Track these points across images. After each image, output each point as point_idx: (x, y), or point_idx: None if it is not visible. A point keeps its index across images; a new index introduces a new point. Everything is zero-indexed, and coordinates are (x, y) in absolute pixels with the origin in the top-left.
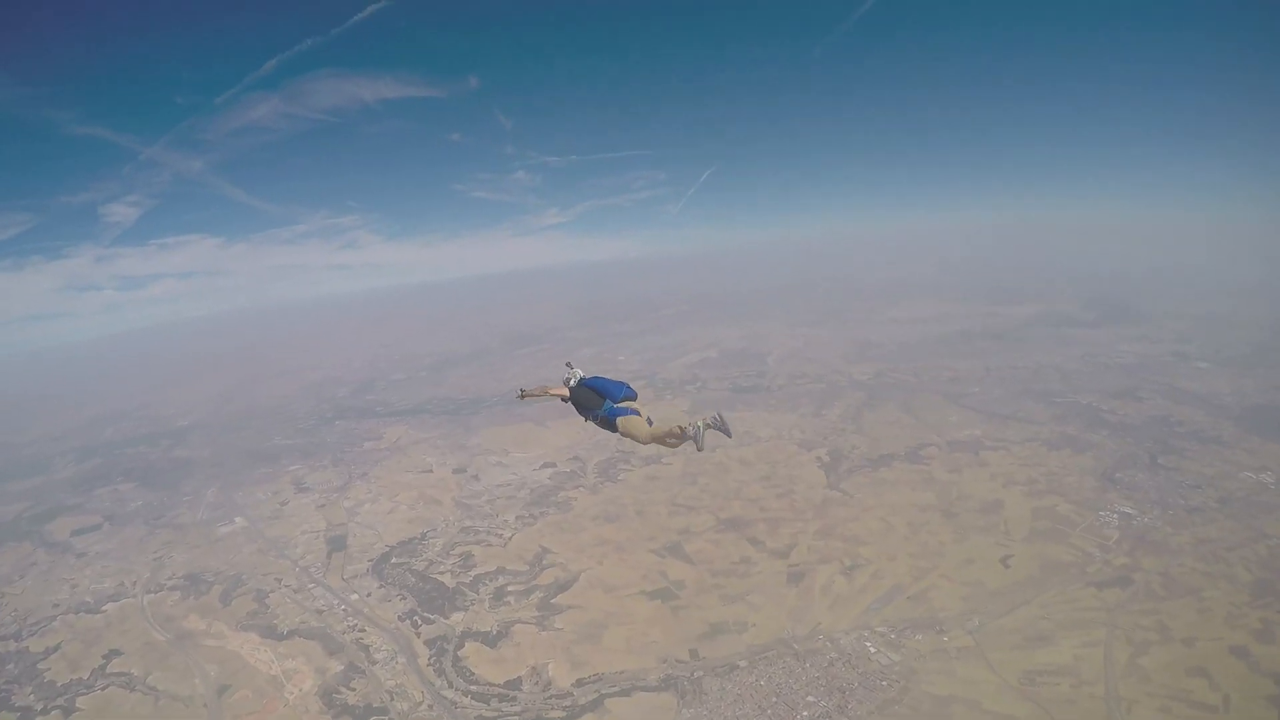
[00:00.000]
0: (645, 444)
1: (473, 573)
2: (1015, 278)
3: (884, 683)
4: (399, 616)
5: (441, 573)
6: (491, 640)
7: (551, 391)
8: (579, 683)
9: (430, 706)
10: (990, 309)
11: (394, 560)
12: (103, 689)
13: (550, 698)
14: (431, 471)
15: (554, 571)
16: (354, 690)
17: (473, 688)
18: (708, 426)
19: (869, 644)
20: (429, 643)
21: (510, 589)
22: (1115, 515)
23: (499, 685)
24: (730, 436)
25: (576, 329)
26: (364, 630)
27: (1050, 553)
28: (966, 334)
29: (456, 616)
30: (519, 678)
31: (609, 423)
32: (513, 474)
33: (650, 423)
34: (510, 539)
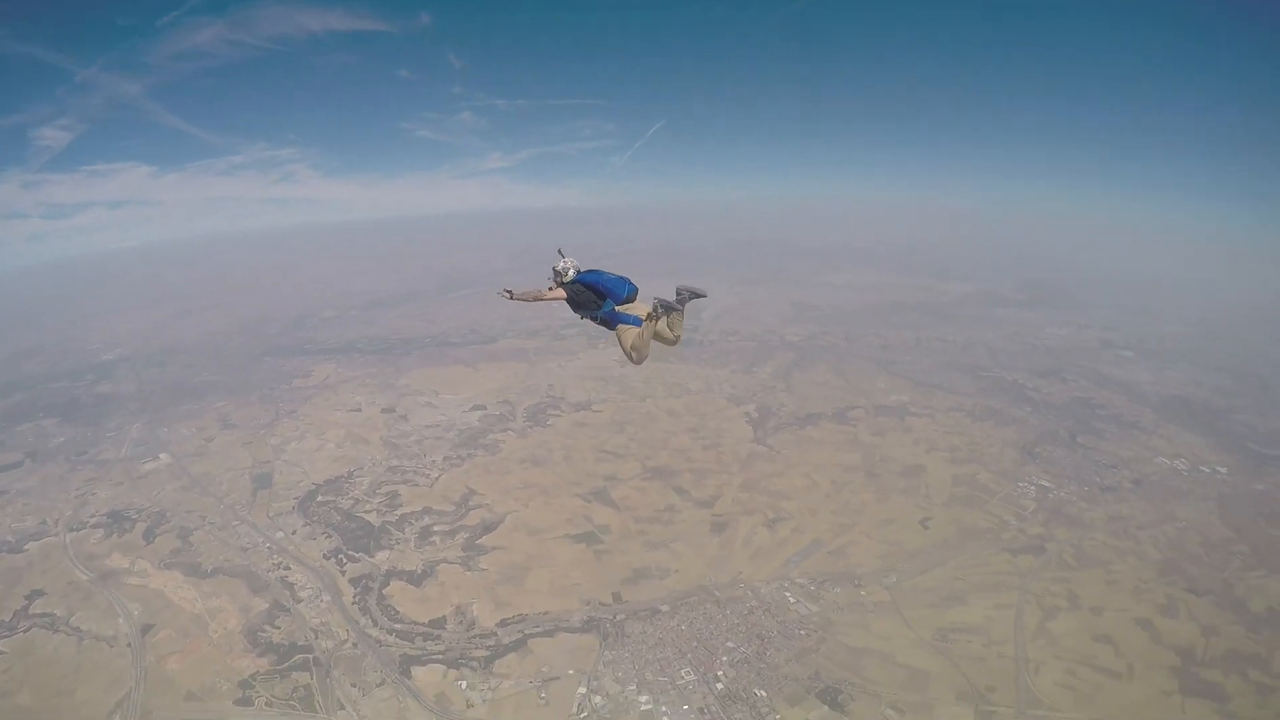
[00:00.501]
0: (632, 359)
1: (399, 512)
2: (954, 257)
3: (802, 632)
4: (324, 555)
5: (367, 511)
6: (416, 579)
7: (545, 296)
8: (503, 623)
9: (354, 645)
10: (927, 283)
11: (320, 498)
12: (25, 631)
13: (474, 637)
14: (360, 410)
15: (480, 513)
16: (279, 628)
17: (397, 626)
18: (668, 308)
19: (788, 594)
20: (354, 581)
21: (436, 529)
22: (1032, 487)
23: (423, 624)
24: (705, 295)
25: (513, 274)
26: (289, 568)
27: (968, 518)
28: (901, 305)
29: (381, 555)
30: (443, 617)
31: (609, 324)
32: (441, 415)
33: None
34: (437, 479)
